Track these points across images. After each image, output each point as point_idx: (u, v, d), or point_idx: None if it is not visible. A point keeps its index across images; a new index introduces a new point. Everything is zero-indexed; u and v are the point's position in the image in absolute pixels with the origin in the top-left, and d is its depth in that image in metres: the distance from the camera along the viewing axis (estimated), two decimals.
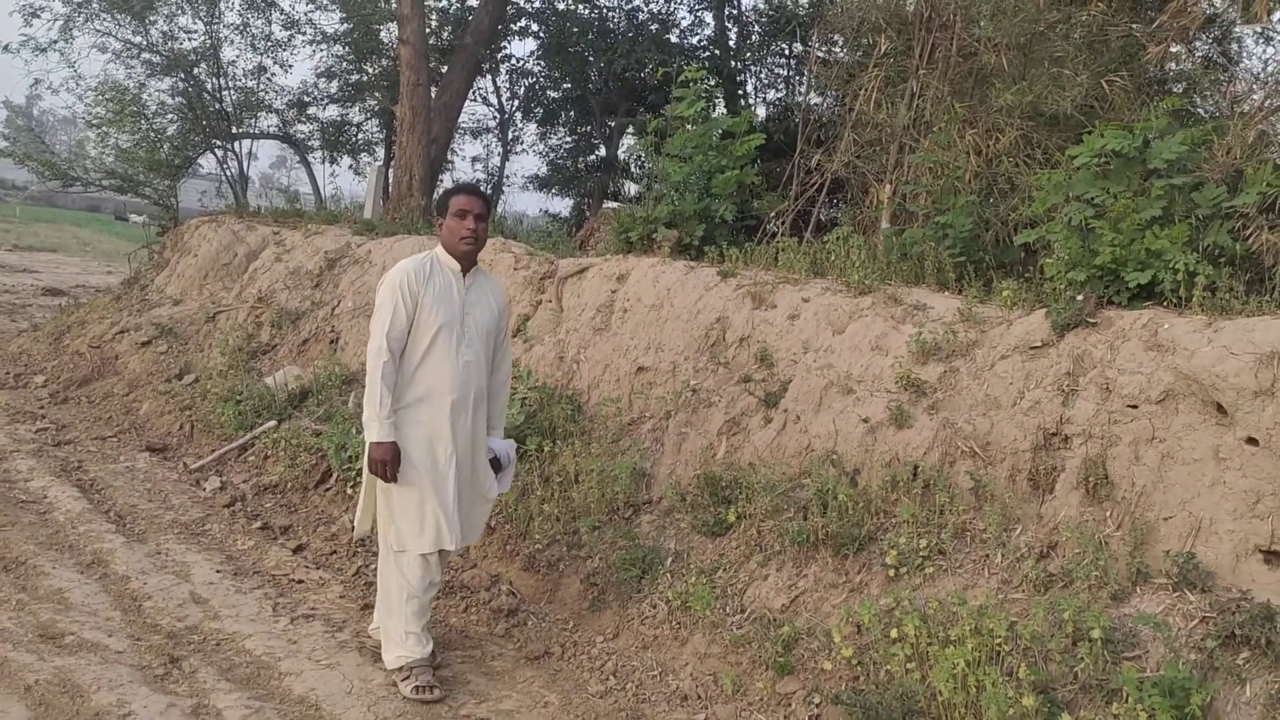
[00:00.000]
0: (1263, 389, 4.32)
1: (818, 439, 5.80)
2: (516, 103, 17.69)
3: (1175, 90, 6.41)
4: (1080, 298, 5.18)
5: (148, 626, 5.31)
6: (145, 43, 15.42)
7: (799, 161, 9.12)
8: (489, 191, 17.45)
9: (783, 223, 9.25)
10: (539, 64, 17.27)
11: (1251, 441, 4.36)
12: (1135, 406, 4.78)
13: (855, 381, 5.85)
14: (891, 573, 4.91)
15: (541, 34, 16.55)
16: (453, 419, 4.82)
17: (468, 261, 4.96)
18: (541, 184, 17.67)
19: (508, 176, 17.70)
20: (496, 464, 5.17)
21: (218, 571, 6.20)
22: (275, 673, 4.92)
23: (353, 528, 5.74)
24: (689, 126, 8.38)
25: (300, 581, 6.21)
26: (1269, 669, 3.87)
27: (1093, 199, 5.38)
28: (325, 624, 5.58)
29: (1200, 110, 6.59)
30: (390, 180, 14.04)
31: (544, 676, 5.14)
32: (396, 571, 4.88)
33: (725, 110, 16.09)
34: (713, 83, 16.07)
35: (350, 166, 18.04)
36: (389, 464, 4.72)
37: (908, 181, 7.31)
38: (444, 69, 15.33)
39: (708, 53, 16.22)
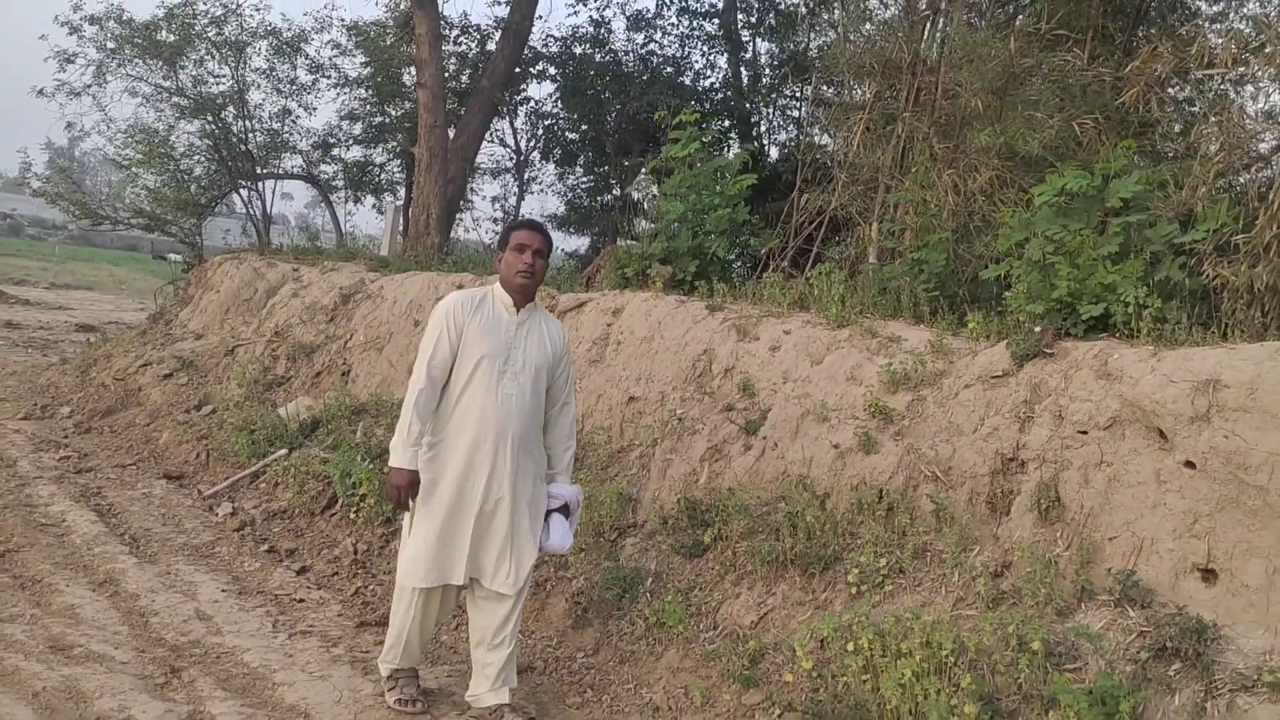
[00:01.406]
0: (1198, 415, 4.55)
1: (793, 465, 6.05)
2: (534, 143, 18.12)
3: (1165, 131, 6.64)
4: (1038, 330, 5.42)
5: (152, 640, 5.60)
6: (175, 86, 15.96)
7: (796, 200, 9.41)
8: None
9: (783, 259, 9.53)
10: (557, 106, 17.69)
11: (1189, 465, 4.58)
12: (1085, 432, 5.01)
13: (830, 410, 6.10)
14: (854, 590, 5.14)
15: (558, 77, 16.98)
16: (493, 455, 4.73)
17: (523, 296, 4.88)
18: (560, 223, 18.03)
19: (524, 215, 18.08)
20: (565, 510, 5.03)
21: (223, 591, 6.49)
22: (270, 683, 5.19)
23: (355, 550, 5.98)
24: (694, 167, 8.70)
25: (301, 601, 6.49)
26: (1197, 679, 4.07)
27: (1053, 235, 5.62)
28: (321, 639, 5.85)
29: (1171, 151, 6.83)
30: (409, 218, 14.44)
31: (524, 690, 5.37)
32: (402, 602, 4.91)
33: (740, 150, 16.51)
34: (726, 124, 16.50)
35: (374, 206, 18.50)
36: (404, 490, 4.70)
37: (890, 219, 7.59)
38: (462, 111, 15.76)
39: (720, 95, 16.57)
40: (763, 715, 4.84)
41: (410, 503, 4.76)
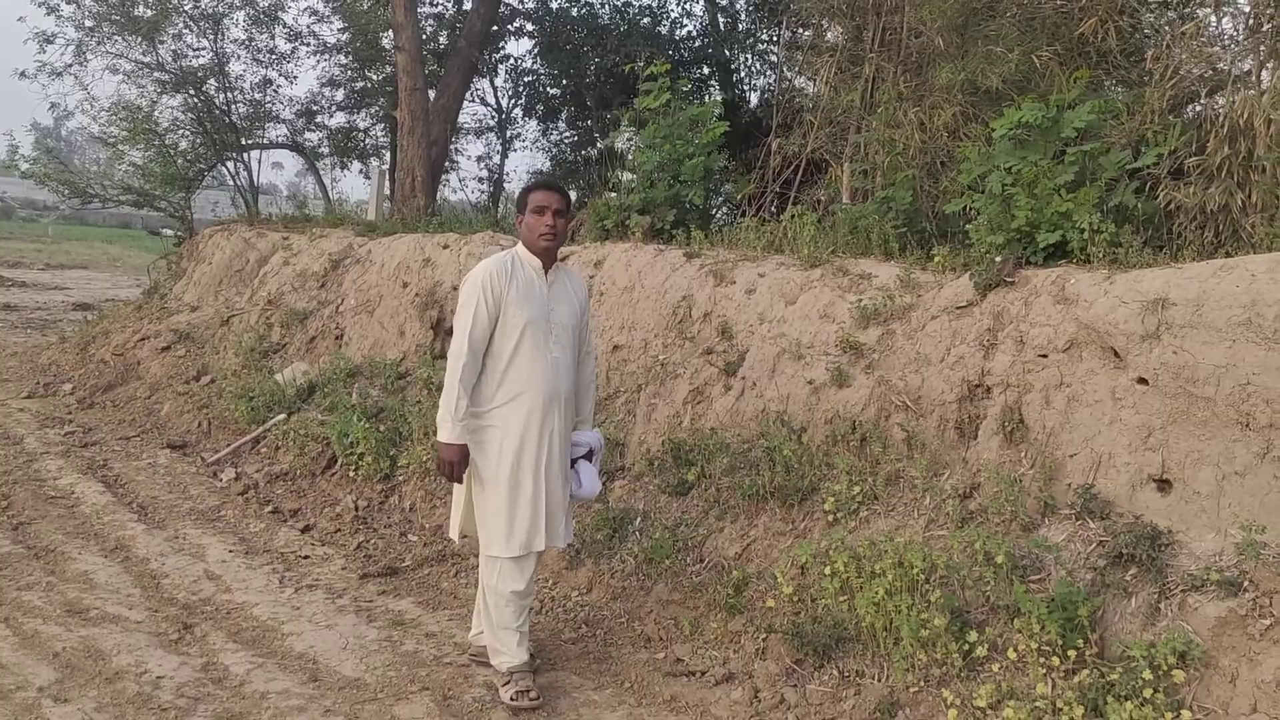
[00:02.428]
0: (1149, 333, 4.76)
1: (771, 402, 6.27)
2: (517, 101, 18.20)
3: (1116, 62, 6.77)
4: (999, 260, 5.62)
5: (164, 600, 5.84)
6: (155, 61, 16.03)
7: (771, 145, 9.55)
8: (491, 188, 18.01)
9: (761, 204, 9.69)
10: (536, 62, 17.76)
11: (1142, 381, 4.80)
12: (1045, 356, 5.22)
13: (805, 348, 6.30)
14: (830, 518, 5.38)
15: (536, 33, 17.05)
16: (544, 417, 4.72)
17: (548, 258, 4.83)
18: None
19: (508, 173, 18.21)
20: (590, 455, 5.04)
21: (230, 551, 6.73)
22: (279, 634, 5.44)
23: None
24: (667, 117, 8.83)
25: (306, 557, 6.73)
26: (1151, 582, 4.31)
27: (1012, 168, 5.80)
28: (327, 592, 6.10)
29: (1129, 79, 6.96)
30: (395, 182, 14.57)
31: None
32: (492, 577, 4.81)
33: (712, 99, 16.60)
34: (705, 71, 16.58)
35: (360, 171, 18.62)
36: (456, 465, 4.65)
37: (859, 159, 7.76)
38: (442, 73, 15.84)
39: (698, 42, 16.64)
40: (747, 640, 5.08)
41: (462, 477, 4.73)
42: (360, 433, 7.72)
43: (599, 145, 12.96)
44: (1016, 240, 5.65)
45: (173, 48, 16.17)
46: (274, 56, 16.96)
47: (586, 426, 5.13)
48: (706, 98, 16.50)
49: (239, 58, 16.91)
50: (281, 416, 8.91)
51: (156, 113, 16.07)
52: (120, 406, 10.68)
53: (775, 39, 15.54)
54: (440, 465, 4.72)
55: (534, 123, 18.38)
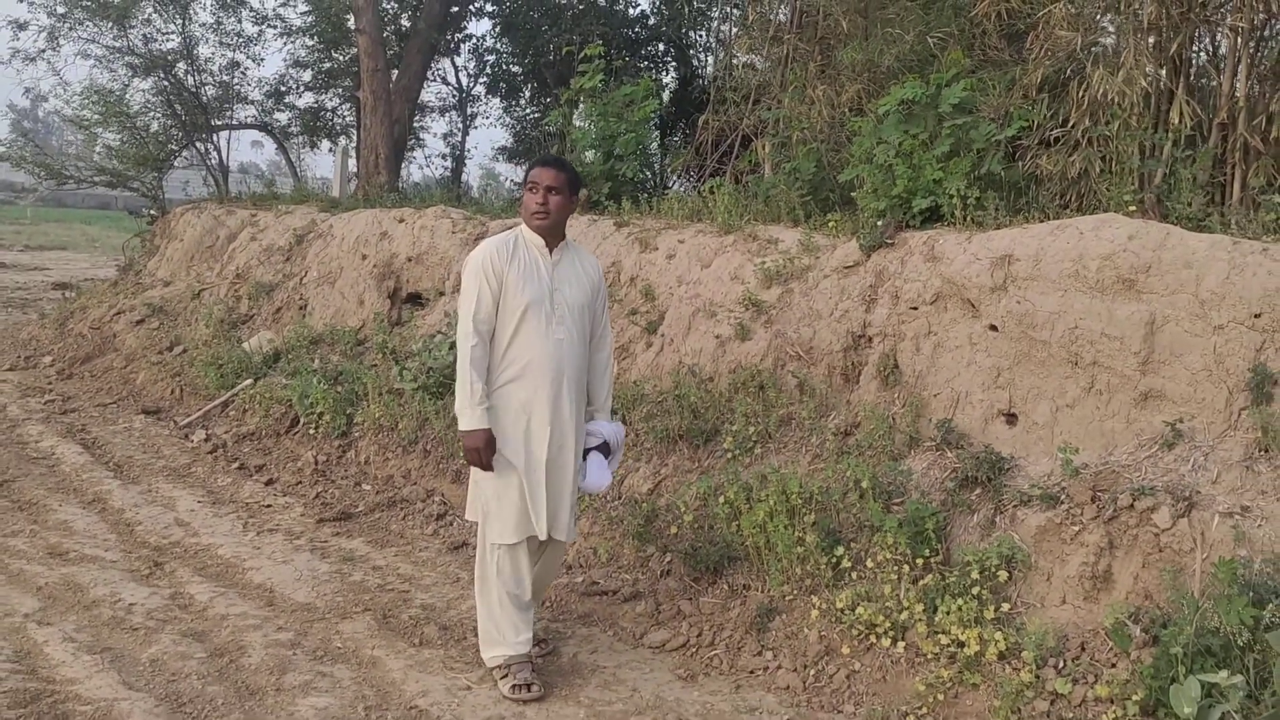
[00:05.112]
0: (997, 285, 5.42)
1: (686, 356, 6.92)
2: (479, 79, 18.72)
3: (990, 44, 7.37)
4: (881, 224, 6.27)
5: (137, 543, 6.46)
6: (126, 46, 16.50)
7: (709, 120, 10.16)
8: (456, 166, 18.56)
9: (700, 176, 10.31)
10: (499, 41, 18.27)
11: (993, 328, 5.47)
12: (916, 308, 5.88)
13: (716, 306, 6.95)
14: (729, 455, 6.04)
15: (496, 13, 17.55)
16: (549, 401, 4.56)
17: (550, 236, 4.67)
18: (510, 155, 18.73)
19: (470, 150, 18.73)
20: (605, 449, 4.87)
21: (199, 502, 7.36)
22: (240, 569, 6.07)
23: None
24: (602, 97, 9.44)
25: (269, 506, 7.36)
26: (990, 500, 4.99)
27: (894, 140, 6.43)
28: (286, 535, 6.73)
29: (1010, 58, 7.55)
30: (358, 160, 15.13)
31: (459, 561, 6.29)
32: (491, 565, 4.66)
33: (676, 74, 17.18)
34: (660, 48, 17.14)
35: (330, 150, 19.12)
36: (483, 451, 4.49)
37: (773, 134, 8.39)
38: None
39: (653, 20, 17.17)
40: (654, 562, 5.75)
41: (490, 462, 4.54)
42: (319, 394, 8.35)
43: (544, 123, 13.49)
44: (896, 206, 6.30)
45: (142, 32, 16.62)
46: (241, 39, 17.44)
47: (604, 416, 4.94)
48: (663, 75, 17.12)
49: (207, 41, 17.42)
50: (249, 382, 9.52)
51: (128, 96, 16.58)
52: (97, 376, 11.28)
53: (724, 16, 16.08)
54: (468, 455, 4.56)
55: (497, 100, 18.90)
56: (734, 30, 10.77)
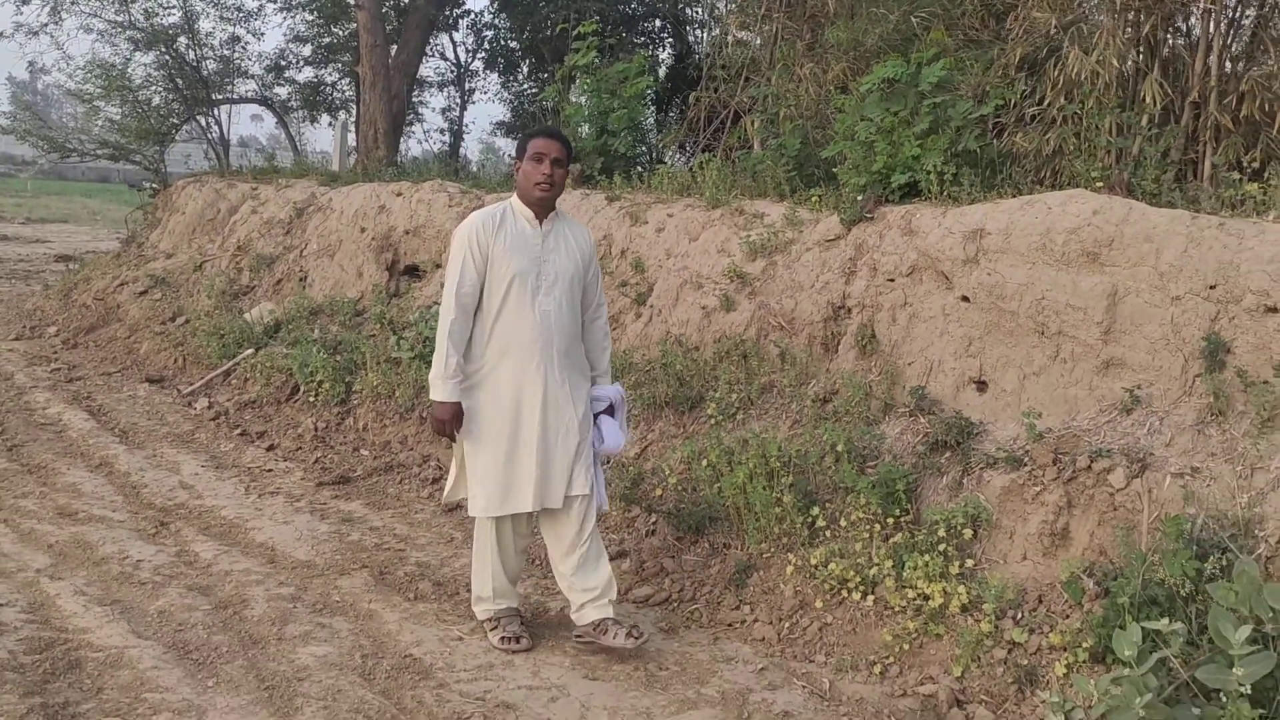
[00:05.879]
0: (969, 258, 5.65)
1: (673, 326, 7.15)
2: (477, 54, 18.88)
3: (970, 23, 7.56)
4: (861, 199, 6.48)
5: (143, 504, 6.71)
6: (128, 20, 16.69)
7: (690, 97, 10.36)
8: (454, 140, 18.75)
9: (693, 152, 10.52)
10: (497, 17, 18.41)
11: (965, 299, 5.69)
12: (893, 280, 6.11)
13: (703, 278, 7.18)
14: (713, 421, 6.28)
15: None
16: (537, 373, 4.59)
17: (543, 208, 4.68)
18: (507, 129, 18.90)
19: (467, 124, 18.92)
20: (612, 411, 4.93)
21: (203, 466, 7.60)
22: (243, 529, 6.32)
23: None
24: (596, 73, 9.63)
25: (270, 470, 7.61)
26: (959, 463, 5.22)
27: (875, 118, 6.64)
28: (287, 497, 6.98)
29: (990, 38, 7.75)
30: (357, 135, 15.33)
31: (454, 522, 6.53)
32: (481, 533, 4.80)
33: (672, 50, 17.33)
34: (658, 24, 17.28)
35: (330, 124, 19.31)
36: (449, 424, 4.57)
37: (761, 110, 8.60)
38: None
39: None
40: (640, 523, 6.01)
41: (456, 434, 4.65)
42: (319, 363, 8.59)
43: (539, 99, 13.66)
44: (876, 181, 6.51)
45: (144, 6, 16.80)
46: (241, 14, 17.63)
47: (605, 381, 4.99)
48: (659, 51, 17.26)
49: (208, 15, 17.61)
50: (250, 351, 9.76)
51: (129, 70, 16.77)
52: (102, 346, 11.53)
53: None
54: (434, 425, 4.67)
55: (495, 75, 19.06)
56: (729, 6, 10.93)
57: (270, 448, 8.13)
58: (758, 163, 7.82)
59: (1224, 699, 3.58)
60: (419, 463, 7.47)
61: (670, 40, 17.58)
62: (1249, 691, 3.52)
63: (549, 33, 16.79)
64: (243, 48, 17.84)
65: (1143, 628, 3.78)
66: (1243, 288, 4.65)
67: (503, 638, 4.74)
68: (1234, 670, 3.52)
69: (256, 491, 7.08)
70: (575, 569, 4.75)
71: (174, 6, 16.83)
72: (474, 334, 4.65)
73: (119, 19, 16.66)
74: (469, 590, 5.10)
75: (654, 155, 9.85)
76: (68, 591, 5.17)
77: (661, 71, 16.59)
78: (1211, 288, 4.77)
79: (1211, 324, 4.76)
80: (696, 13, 16.95)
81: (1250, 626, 3.56)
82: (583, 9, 15.12)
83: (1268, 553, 4.07)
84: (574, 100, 9.95)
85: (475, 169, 17.00)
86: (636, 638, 4.62)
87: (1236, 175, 5.63)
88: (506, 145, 19.44)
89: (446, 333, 4.54)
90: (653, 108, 14.80)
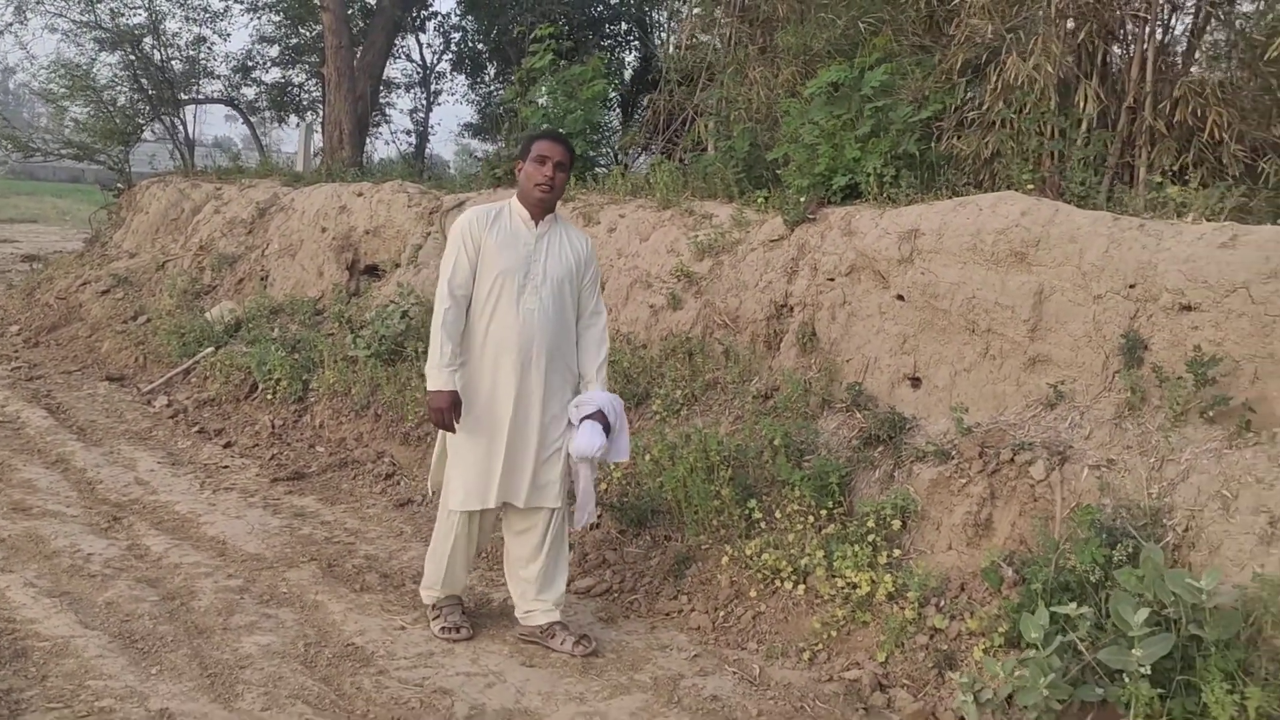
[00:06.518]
0: (904, 258, 5.80)
1: (624, 325, 7.29)
2: (444, 56, 18.99)
3: (909, 29, 7.71)
4: (804, 200, 6.63)
5: (98, 500, 6.78)
6: (93, 20, 16.70)
7: (657, 99, 10.50)
8: (419, 141, 18.84)
9: (650, 153, 10.66)
10: (465, 19, 18.52)
11: (900, 298, 5.85)
12: (833, 280, 6.26)
13: (653, 278, 7.32)
14: (659, 417, 6.41)
15: None
16: (515, 371, 4.64)
17: (542, 209, 4.74)
18: (475, 131, 19.01)
19: (434, 126, 19.01)
20: (600, 418, 4.76)
21: (159, 463, 7.68)
22: (195, 524, 6.40)
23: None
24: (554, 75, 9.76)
25: (226, 467, 7.69)
26: (891, 456, 5.37)
27: (818, 121, 6.79)
28: (241, 493, 7.07)
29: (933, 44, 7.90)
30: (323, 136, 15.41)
31: (404, 516, 6.65)
32: (444, 523, 4.86)
33: (638, 53, 17.47)
34: (624, 28, 17.42)
35: (297, 125, 19.37)
36: (446, 412, 4.58)
37: (714, 113, 8.75)
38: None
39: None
40: None
41: (454, 423, 4.64)
42: (277, 361, 8.68)
43: (497, 102, 13.76)
44: (819, 183, 6.66)
45: (110, 6, 16.83)
46: (207, 15, 17.67)
47: (596, 388, 4.89)
48: (625, 54, 17.41)
49: (174, 16, 17.62)
50: (210, 350, 9.83)
51: (95, 70, 16.79)
52: (63, 345, 11.57)
53: None
54: (431, 414, 4.67)
55: (463, 77, 19.17)
56: (693, 10, 11.07)
57: (227, 445, 8.21)
58: (708, 165, 7.97)
59: (1126, 679, 3.74)
60: (373, 459, 7.57)
61: (636, 43, 17.73)
62: (1149, 672, 3.68)
63: (515, 34, 16.92)
64: (209, 48, 17.88)
65: (1051, 612, 3.94)
66: (1160, 286, 4.81)
67: (444, 627, 4.85)
68: (1134, 651, 3.68)
69: (211, 487, 7.16)
70: (535, 578, 4.85)
71: (140, 7, 16.88)
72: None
73: (84, 19, 16.68)
74: (415, 582, 5.22)
75: (617, 157, 9.98)
76: (17, 584, 5.24)
77: (627, 74, 16.75)
78: (1131, 286, 4.93)
79: (1131, 322, 4.91)
80: (661, 15, 17.11)
81: (1149, 610, 3.73)
82: (548, 12, 15.25)
83: (1174, 540, 4.23)
84: (532, 102, 10.05)
85: (453, 169, 17.08)
86: (586, 648, 4.74)
87: (1159, 179, 5.80)
88: (479, 146, 19.52)
89: (441, 322, 4.58)
90: (618, 110, 14.96)
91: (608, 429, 4.75)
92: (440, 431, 4.80)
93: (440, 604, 4.93)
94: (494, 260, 4.60)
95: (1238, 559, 4.05)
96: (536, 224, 4.75)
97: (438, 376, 4.58)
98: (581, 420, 4.77)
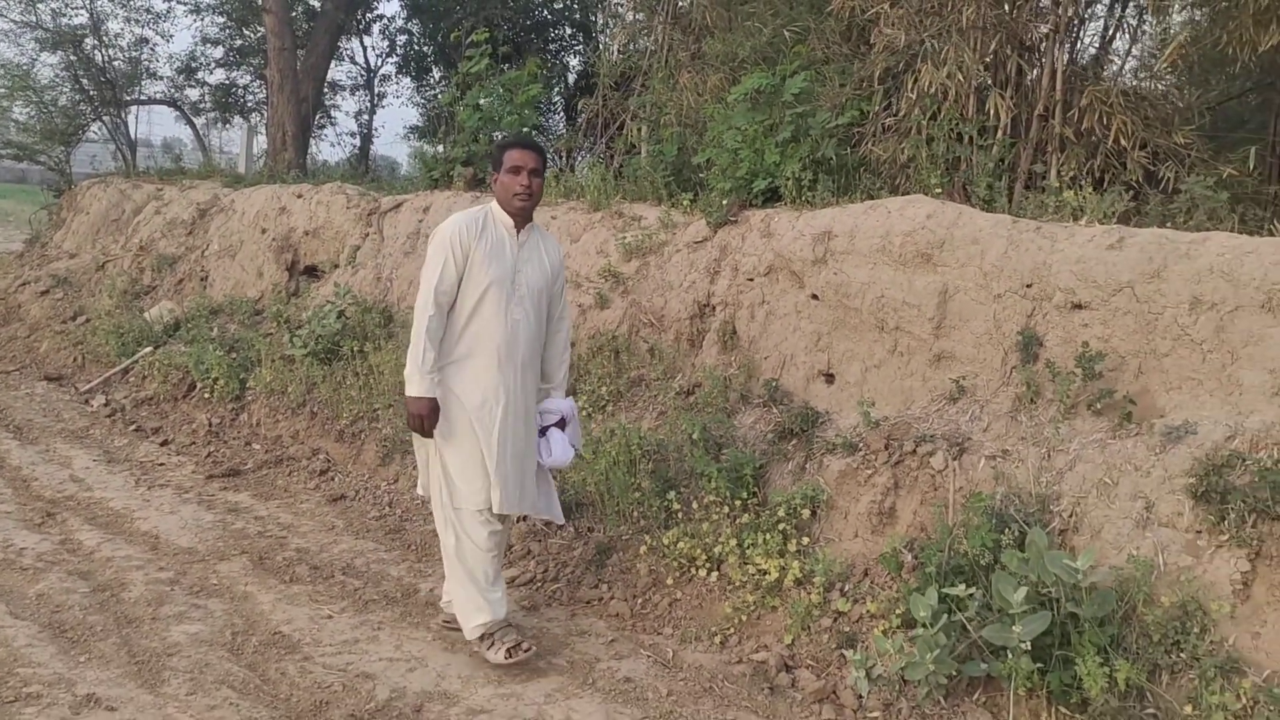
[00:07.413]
0: (818, 259, 6.03)
1: None
2: (389, 59, 19.07)
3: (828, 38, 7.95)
4: (726, 203, 6.84)
5: (32, 496, 6.86)
6: (34, 20, 16.65)
7: (601, 104, 10.69)
8: (364, 144, 18.90)
9: (589, 157, 10.84)
10: (410, 22, 18.60)
11: (814, 297, 6.08)
12: (752, 280, 6.47)
13: (582, 278, 7.50)
14: (585, 414, 6.59)
15: None
16: (499, 381, 4.63)
17: (522, 217, 4.76)
18: (420, 134, 19.08)
19: (379, 128, 19.07)
20: (563, 424, 4.92)
21: (94, 461, 7.76)
22: (129, 519, 6.51)
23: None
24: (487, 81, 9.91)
25: (162, 464, 7.79)
26: (803, 449, 5.59)
27: (741, 126, 7.01)
28: (176, 489, 7.17)
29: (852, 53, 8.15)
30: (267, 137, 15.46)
31: (338, 510, 6.79)
32: (460, 534, 4.70)
33: (582, 58, 17.65)
34: (568, 32, 17.61)
35: (242, 126, 19.36)
36: (425, 419, 4.56)
37: (645, 118, 8.96)
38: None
39: (559, 4, 17.61)
40: None
41: (433, 431, 4.62)
42: (215, 360, 8.78)
43: (434, 105, 13.86)
44: (741, 187, 6.88)
45: (51, 6, 16.79)
46: (150, 15, 17.66)
47: (559, 394, 5.02)
48: (569, 58, 17.60)
49: (116, 16, 17.58)
50: (149, 350, 9.90)
51: (35, 70, 16.73)
52: (1, 345, 11.57)
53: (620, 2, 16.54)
54: (410, 420, 4.62)
55: (408, 80, 19.25)
56: (636, 16, 11.27)
57: (164, 443, 8.30)
58: (639, 168, 8.17)
59: (1009, 655, 3.98)
60: (309, 456, 7.70)
61: (580, 47, 17.92)
62: (1029, 648, 3.93)
63: (453, 39, 17.04)
64: (151, 49, 17.86)
65: (942, 593, 4.18)
66: (1054, 286, 5.06)
67: (506, 651, 4.60)
68: (1015, 628, 3.92)
69: (146, 484, 7.25)
70: None
71: (81, 8, 16.84)
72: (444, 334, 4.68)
73: (25, 19, 16.62)
74: (345, 573, 5.36)
75: (559, 159, 10.16)
76: None
77: (571, 78, 16.93)
78: (1028, 286, 5.18)
79: (1027, 320, 5.16)
80: (604, 20, 17.29)
81: (1028, 588, 3.97)
82: (491, 16, 15.39)
83: (1060, 525, 4.47)
84: (469, 105, 10.20)
85: (407, 170, 17.14)
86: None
87: (1056, 183, 6.07)
88: (431, 149, 19.58)
89: (424, 330, 4.53)
90: (562, 113, 15.13)
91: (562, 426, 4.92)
92: (417, 438, 4.77)
93: (492, 630, 4.68)
94: (483, 270, 4.58)
95: (1116, 542, 4.30)
96: (518, 232, 4.77)
97: (420, 383, 4.54)
98: (548, 429, 4.89)
